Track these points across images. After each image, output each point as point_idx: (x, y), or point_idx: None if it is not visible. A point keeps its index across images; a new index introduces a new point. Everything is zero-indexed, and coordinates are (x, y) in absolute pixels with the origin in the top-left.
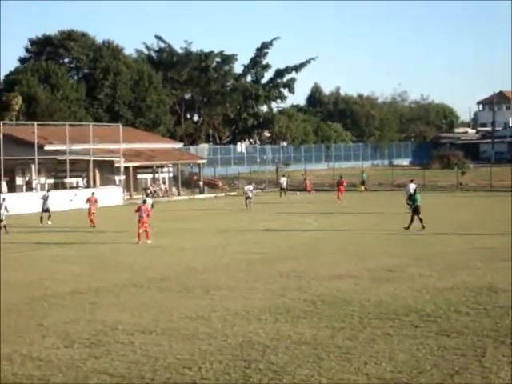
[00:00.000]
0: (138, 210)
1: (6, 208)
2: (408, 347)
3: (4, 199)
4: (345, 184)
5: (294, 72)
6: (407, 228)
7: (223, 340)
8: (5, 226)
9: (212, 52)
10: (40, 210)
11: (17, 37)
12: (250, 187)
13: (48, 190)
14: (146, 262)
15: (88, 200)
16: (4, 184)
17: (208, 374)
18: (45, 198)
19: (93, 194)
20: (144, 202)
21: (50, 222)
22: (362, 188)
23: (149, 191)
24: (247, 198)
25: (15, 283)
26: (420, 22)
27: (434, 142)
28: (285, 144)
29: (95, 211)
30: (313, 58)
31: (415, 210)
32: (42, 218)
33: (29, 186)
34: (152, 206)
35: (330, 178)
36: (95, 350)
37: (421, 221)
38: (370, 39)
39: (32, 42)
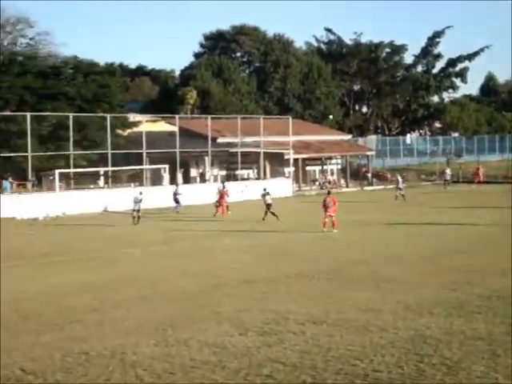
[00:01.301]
0: (324, 201)
1: (141, 201)
2: None
3: (141, 192)
4: None
5: (466, 61)
6: None
7: (394, 333)
8: (139, 217)
9: (382, 43)
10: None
11: (193, 33)
12: (399, 178)
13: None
14: (315, 253)
15: (219, 192)
16: (179, 175)
17: (380, 367)
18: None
19: (224, 187)
20: (329, 192)
21: (229, 212)
22: None
23: (317, 182)
24: (398, 188)
25: (191, 272)
26: None
27: None
28: (456, 135)
29: (226, 203)
30: (487, 46)
31: None
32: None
33: (202, 178)
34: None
35: (504, 169)
36: (268, 338)
37: None
38: None
39: (206, 37)
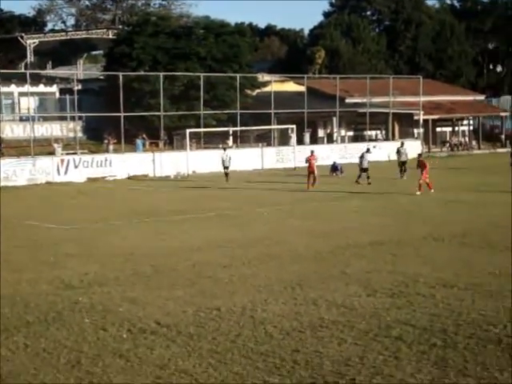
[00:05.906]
0: None
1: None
2: None
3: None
4: None
5: None
6: None
7: None
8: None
9: None
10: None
11: None
12: None
13: (367, 150)
14: (446, 215)
15: (308, 160)
16: (307, 135)
17: None
18: (362, 156)
19: (312, 152)
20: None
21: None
22: None
23: (447, 144)
24: None
25: (319, 232)
26: None
27: None
28: None
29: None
30: None
31: None
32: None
33: (330, 139)
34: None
35: None
36: (397, 300)
37: None
38: None
39: None
